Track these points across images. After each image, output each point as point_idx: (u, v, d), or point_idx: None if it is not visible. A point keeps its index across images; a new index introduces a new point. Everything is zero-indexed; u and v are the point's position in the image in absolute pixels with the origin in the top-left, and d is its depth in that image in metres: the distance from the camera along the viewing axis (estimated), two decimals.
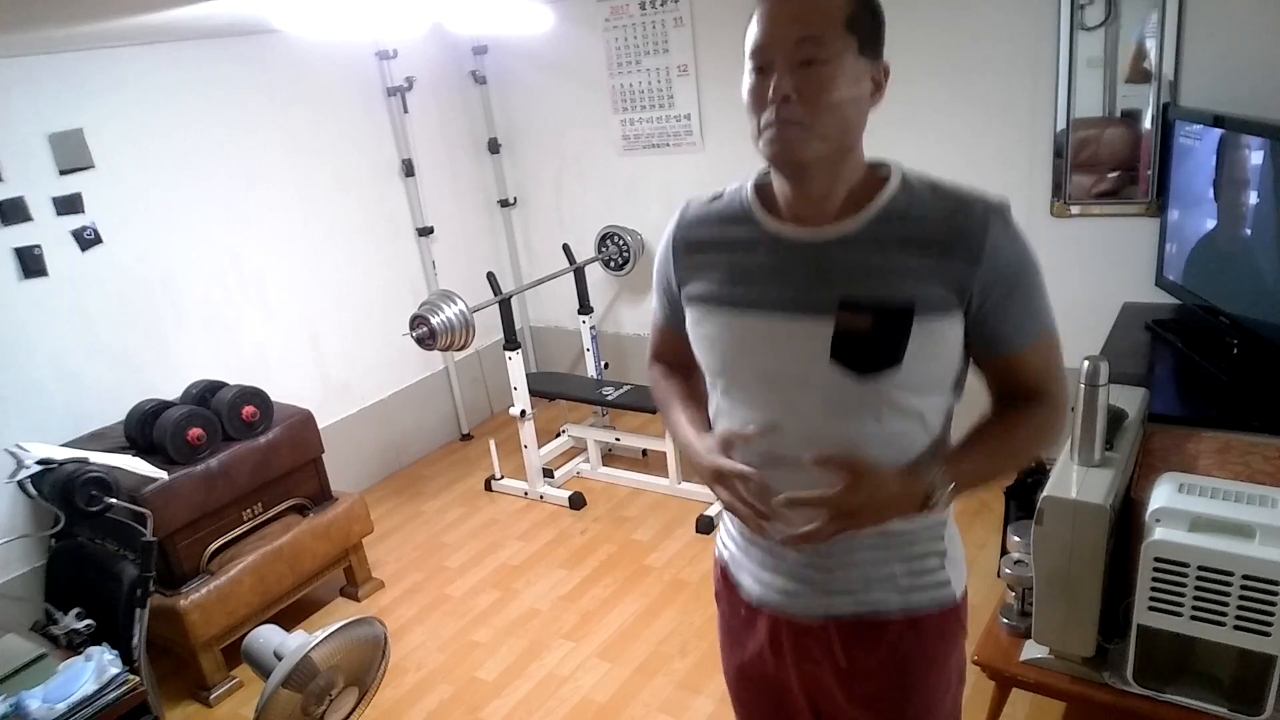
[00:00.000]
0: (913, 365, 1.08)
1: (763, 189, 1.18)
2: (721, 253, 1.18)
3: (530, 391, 3.69)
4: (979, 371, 1.20)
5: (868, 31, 1.03)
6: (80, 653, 2.07)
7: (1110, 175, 3.06)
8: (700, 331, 1.21)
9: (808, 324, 1.09)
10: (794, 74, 1.00)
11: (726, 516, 1.35)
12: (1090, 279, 3.16)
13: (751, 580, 1.28)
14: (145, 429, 2.74)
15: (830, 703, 1.28)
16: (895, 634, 1.21)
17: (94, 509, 2.36)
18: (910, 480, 1.09)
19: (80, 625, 2.24)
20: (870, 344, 1.07)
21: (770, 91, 1.02)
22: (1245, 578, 1.56)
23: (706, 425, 1.27)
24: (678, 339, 1.27)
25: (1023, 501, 2.31)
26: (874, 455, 1.10)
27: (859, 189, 1.10)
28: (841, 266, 1.08)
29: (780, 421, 1.14)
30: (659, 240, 1.30)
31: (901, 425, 1.12)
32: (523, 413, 3.65)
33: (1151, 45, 2.82)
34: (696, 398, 1.32)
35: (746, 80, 1.06)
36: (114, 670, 2.01)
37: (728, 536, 1.35)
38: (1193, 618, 1.64)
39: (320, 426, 3.09)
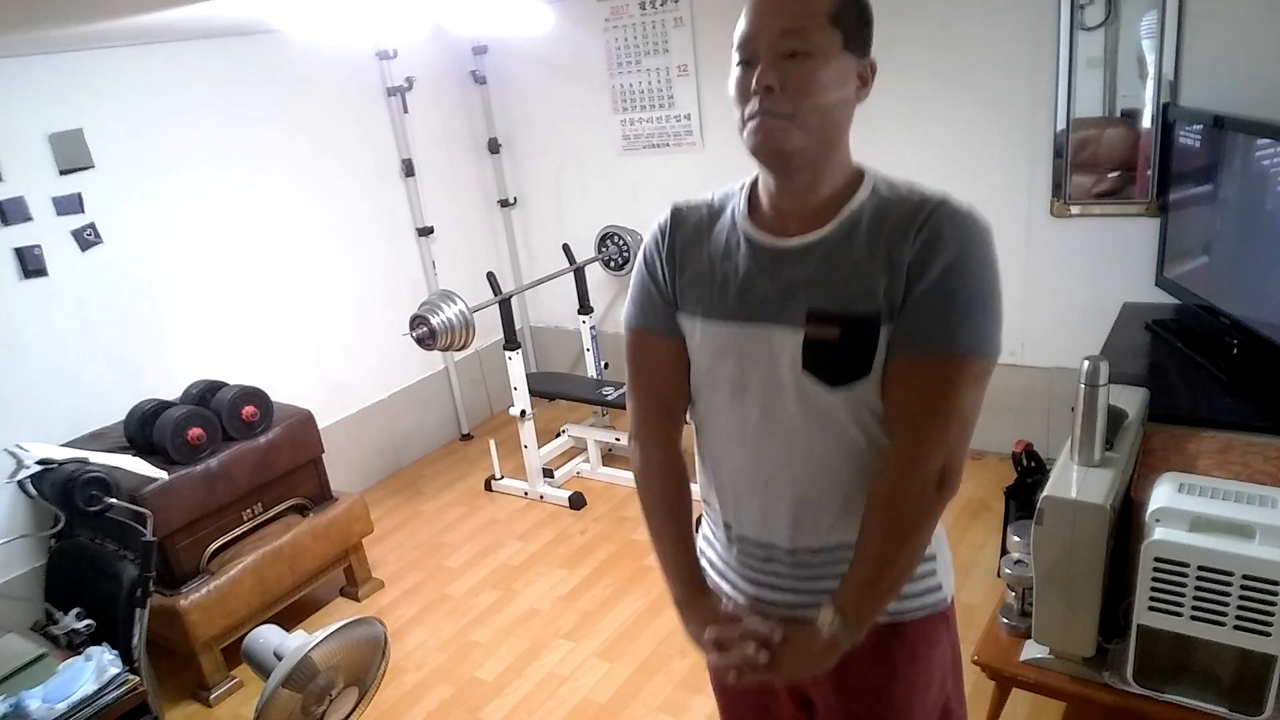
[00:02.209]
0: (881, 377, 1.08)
1: (753, 194, 1.17)
2: (704, 257, 1.17)
3: (530, 391, 3.69)
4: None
5: (853, 27, 1.04)
6: (80, 653, 2.07)
7: (1110, 175, 3.07)
8: (687, 337, 1.21)
9: (780, 333, 1.09)
10: (778, 66, 1.01)
11: (706, 519, 1.35)
12: (1090, 279, 3.16)
13: (733, 588, 1.29)
14: (145, 429, 2.74)
15: (817, 691, 1.29)
16: (882, 635, 1.21)
17: (94, 509, 2.36)
18: (817, 645, 1.14)
19: (80, 625, 2.24)
20: (839, 355, 1.07)
21: (754, 83, 1.02)
22: (1245, 578, 1.56)
23: (693, 551, 1.30)
24: (664, 343, 1.22)
25: (1023, 501, 2.31)
26: (853, 467, 1.13)
27: (841, 191, 1.10)
28: (810, 277, 1.08)
29: (758, 430, 1.15)
30: (642, 242, 1.27)
31: (880, 435, 1.12)
32: (523, 413, 3.65)
33: (1151, 45, 2.82)
34: (684, 509, 1.30)
35: (733, 72, 1.06)
36: (114, 670, 2.01)
37: (706, 545, 1.35)
38: (1193, 618, 1.64)
39: (320, 426, 3.09)
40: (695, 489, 1.33)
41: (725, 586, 1.30)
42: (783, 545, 1.20)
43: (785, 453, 1.14)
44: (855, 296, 1.05)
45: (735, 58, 1.06)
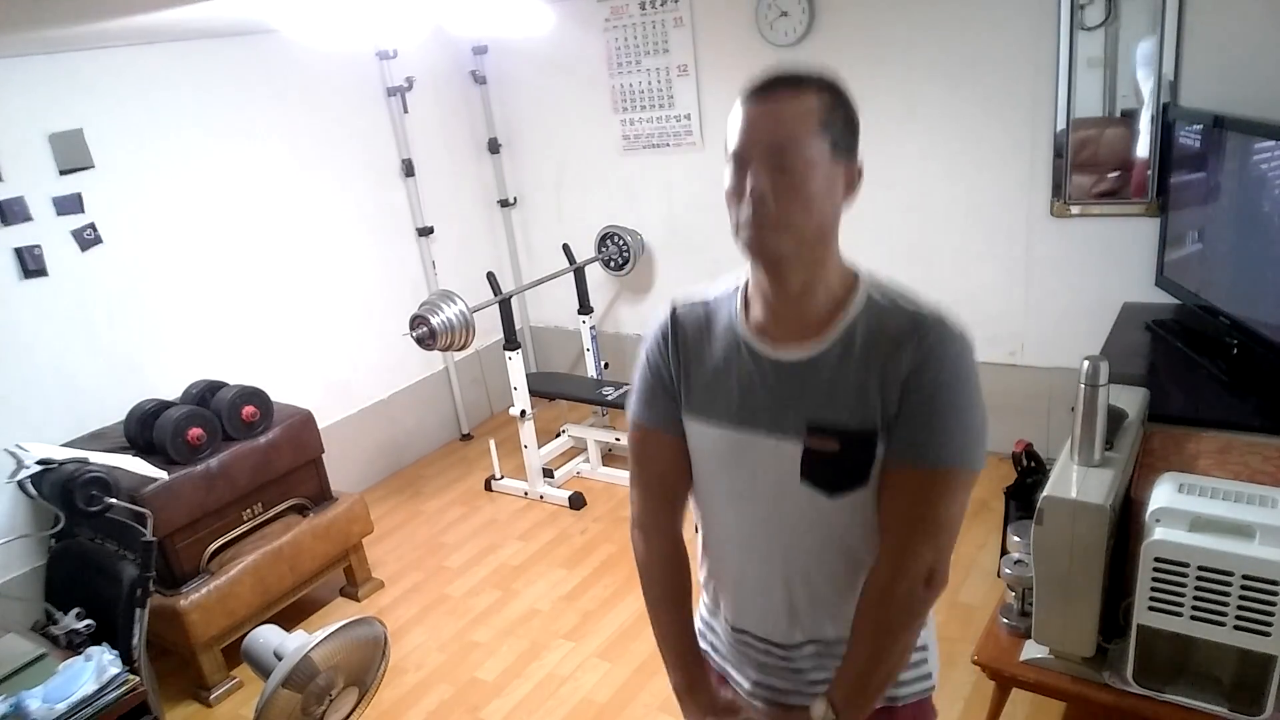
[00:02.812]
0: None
1: (747, 293, 1.19)
2: (706, 360, 1.20)
3: (530, 391, 3.69)
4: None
5: (841, 134, 1.07)
6: (80, 653, 2.07)
7: (1110, 175, 3.07)
8: (689, 436, 1.23)
9: (781, 443, 1.13)
10: (769, 175, 1.04)
11: (705, 606, 1.37)
12: (1090, 279, 3.16)
13: (735, 672, 1.32)
14: (145, 429, 2.74)
15: None
16: (877, 718, 1.24)
17: (94, 509, 2.36)
18: None
19: (80, 625, 2.24)
20: (838, 466, 1.12)
21: (746, 191, 1.06)
22: (1245, 578, 1.56)
23: (693, 639, 1.33)
24: (668, 440, 1.24)
25: (1023, 501, 2.31)
26: (849, 568, 1.17)
27: (837, 298, 1.13)
28: (810, 390, 1.12)
29: (757, 532, 1.20)
30: (644, 340, 1.28)
31: (875, 538, 1.15)
32: (523, 413, 3.65)
33: (1151, 45, 2.82)
34: (686, 597, 1.32)
35: (726, 178, 1.10)
36: (114, 670, 2.01)
37: (706, 629, 1.37)
38: (1193, 618, 1.64)
39: (320, 426, 3.09)
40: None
41: (728, 670, 1.34)
42: (781, 641, 1.24)
43: (782, 554, 1.19)
44: (852, 413, 1.10)
45: (728, 164, 1.09)
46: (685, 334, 1.22)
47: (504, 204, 4.57)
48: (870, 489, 1.12)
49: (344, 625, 1.89)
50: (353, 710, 2.01)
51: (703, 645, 1.37)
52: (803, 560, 1.18)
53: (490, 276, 3.64)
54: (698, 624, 1.38)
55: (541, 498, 3.75)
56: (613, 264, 4.22)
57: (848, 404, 1.10)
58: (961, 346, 1.09)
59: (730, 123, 1.08)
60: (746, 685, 1.30)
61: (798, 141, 1.04)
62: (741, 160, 1.07)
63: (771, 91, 1.06)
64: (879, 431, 1.09)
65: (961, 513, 1.13)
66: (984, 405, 1.11)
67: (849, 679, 1.17)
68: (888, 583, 1.13)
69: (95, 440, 2.85)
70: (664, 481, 1.27)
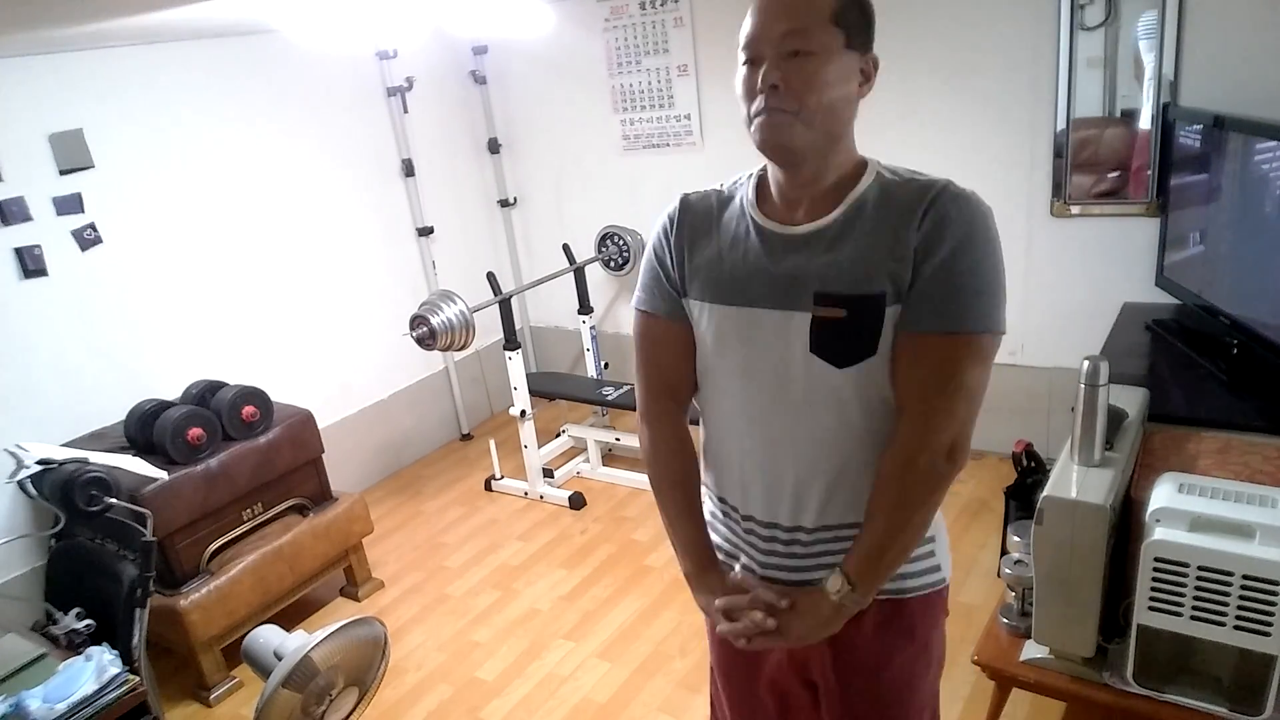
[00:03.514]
0: (890, 355, 1.11)
1: (761, 184, 1.20)
2: (713, 244, 1.21)
3: (530, 391, 3.69)
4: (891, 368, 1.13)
5: (855, 25, 1.07)
6: (80, 653, 2.07)
7: (1110, 175, 3.07)
8: (694, 322, 1.24)
9: (788, 316, 1.12)
10: (781, 65, 1.05)
11: (710, 499, 1.37)
12: (1090, 279, 3.16)
13: (746, 560, 1.32)
14: (145, 429, 2.74)
15: (818, 668, 1.32)
16: (883, 611, 1.25)
17: (94, 509, 2.36)
18: (825, 610, 1.19)
19: (80, 625, 2.24)
20: (846, 336, 1.10)
21: (759, 81, 1.06)
22: (1245, 578, 1.56)
23: (702, 525, 1.33)
24: (672, 327, 1.25)
25: (1023, 501, 2.31)
26: (856, 449, 1.16)
27: (846, 179, 1.13)
28: (817, 261, 1.11)
29: (764, 411, 1.18)
30: (652, 230, 1.30)
31: (883, 416, 1.15)
32: (523, 413, 3.65)
33: (1151, 45, 2.82)
34: (693, 485, 1.33)
35: (739, 71, 1.10)
36: (114, 670, 2.01)
37: (712, 522, 1.37)
38: (1193, 618, 1.64)
39: (320, 426, 3.09)
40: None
41: (738, 557, 1.33)
42: (786, 524, 1.23)
43: (790, 434, 1.18)
44: (861, 279, 1.09)
45: (741, 57, 1.09)
46: (693, 220, 1.23)
47: (504, 204, 4.57)
48: (880, 361, 1.10)
49: (344, 625, 1.89)
50: (353, 710, 2.01)
51: (715, 536, 1.36)
52: (808, 439, 1.17)
53: (490, 276, 3.64)
54: (709, 517, 1.38)
55: (541, 498, 3.75)
56: (613, 264, 4.22)
57: (855, 272, 1.09)
58: (974, 208, 1.08)
59: (745, 20, 1.09)
60: (756, 570, 1.30)
61: (811, 30, 1.04)
62: (754, 51, 1.07)
63: None
64: (887, 296, 1.08)
65: (984, 381, 1.11)
66: (1002, 269, 1.09)
67: (864, 551, 1.16)
68: (909, 455, 1.11)
69: (95, 440, 2.85)
70: (668, 371, 1.28)
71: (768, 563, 1.27)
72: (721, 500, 1.33)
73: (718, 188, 1.25)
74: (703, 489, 1.37)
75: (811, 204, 1.13)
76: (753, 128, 1.09)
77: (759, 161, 1.20)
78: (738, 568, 1.31)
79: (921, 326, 1.07)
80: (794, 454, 1.19)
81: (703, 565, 1.32)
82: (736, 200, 1.21)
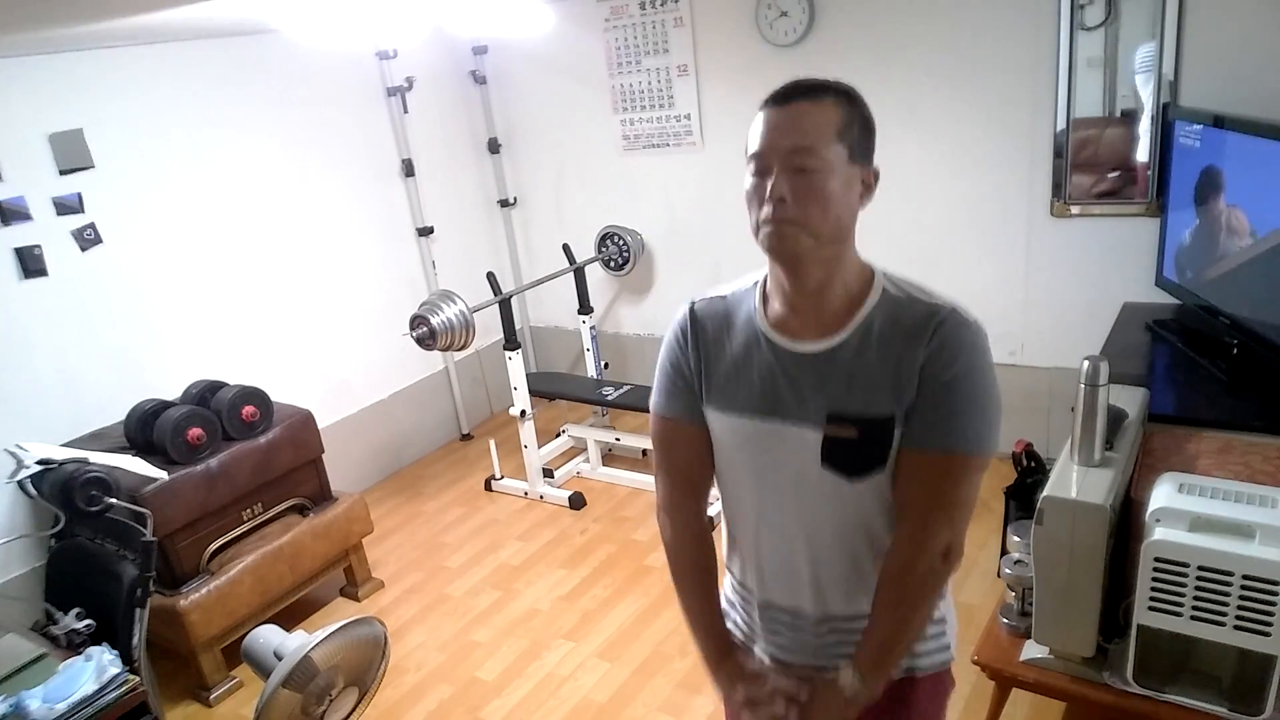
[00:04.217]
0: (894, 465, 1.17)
1: (765, 291, 1.24)
2: (726, 355, 1.25)
3: (530, 391, 3.69)
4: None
5: (858, 140, 1.13)
6: (80, 653, 2.07)
7: (1110, 175, 3.06)
8: (711, 427, 1.28)
9: (801, 431, 1.18)
10: (788, 178, 1.10)
11: (729, 584, 1.42)
12: (1090, 279, 3.16)
13: (759, 650, 1.37)
14: (145, 429, 2.74)
15: None
16: (895, 690, 1.30)
17: (94, 509, 2.36)
18: (840, 701, 1.23)
19: (80, 625, 2.24)
20: (857, 452, 1.17)
21: (767, 193, 1.11)
22: (1245, 578, 1.56)
23: (719, 613, 1.39)
24: (691, 430, 1.29)
25: (1023, 501, 2.31)
26: (868, 544, 1.22)
27: (854, 296, 1.18)
28: (828, 380, 1.17)
29: (780, 513, 1.25)
30: (665, 337, 1.33)
31: (891, 516, 1.21)
32: (523, 413, 3.65)
33: (1151, 45, 2.82)
34: (712, 574, 1.37)
35: (747, 180, 1.15)
36: (114, 670, 2.01)
37: (730, 608, 1.42)
38: (1193, 618, 1.64)
39: (320, 426, 3.09)
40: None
41: (753, 647, 1.38)
42: (809, 611, 1.29)
43: (804, 534, 1.24)
44: (871, 401, 1.15)
45: (749, 167, 1.14)
46: (704, 329, 1.27)
47: (504, 204, 4.57)
48: (888, 471, 1.17)
49: (344, 625, 1.89)
50: (353, 710, 2.01)
51: (727, 624, 1.41)
52: (825, 541, 1.23)
53: (490, 276, 3.64)
54: (722, 604, 1.42)
55: (541, 498, 3.75)
56: (613, 264, 4.22)
57: (865, 393, 1.15)
58: (975, 336, 1.15)
59: (752, 129, 1.14)
60: (768, 661, 1.35)
61: (816, 146, 1.09)
62: (762, 163, 1.12)
63: (792, 99, 1.11)
64: (896, 418, 1.14)
65: (976, 493, 1.19)
66: (998, 393, 1.17)
67: (872, 647, 1.23)
68: (907, 559, 1.19)
69: (95, 440, 2.85)
70: (687, 469, 1.33)
71: (788, 648, 1.32)
72: (741, 585, 1.38)
73: (723, 296, 1.29)
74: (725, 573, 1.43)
75: (820, 320, 1.18)
76: (760, 235, 1.14)
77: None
78: (756, 654, 1.36)
79: (921, 444, 1.14)
80: (808, 552, 1.25)
81: (721, 653, 1.36)
82: (743, 311, 1.25)
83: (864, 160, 1.14)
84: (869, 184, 1.16)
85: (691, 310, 1.29)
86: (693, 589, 1.37)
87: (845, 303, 1.17)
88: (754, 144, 1.13)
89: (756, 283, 1.26)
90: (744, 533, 1.32)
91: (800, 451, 1.19)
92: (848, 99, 1.13)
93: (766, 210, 1.11)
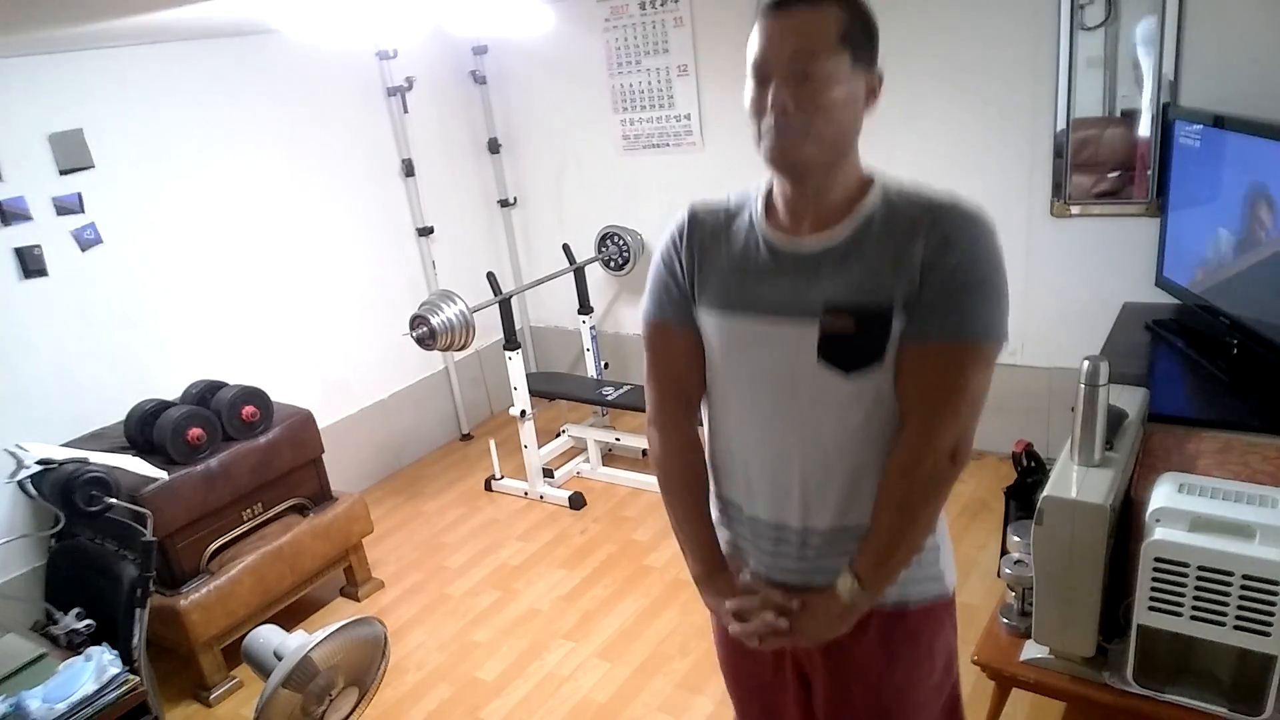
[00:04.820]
0: (894, 363, 1.15)
1: (768, 197, 1.23)
2: (722, 255, 1.23)
3: (530, 391, 3.69)
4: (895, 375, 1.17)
5: (861, 45, 1.10)
6: (80, 653, 2.07)
7: (1110, 175, 3.06)
8: (703, 330, 1.26)
9: (797, 326, 1.16)
10: (791, 86, 1.08)
11: (715, 503, 1.38)
12: (1090, 279, 3.16)
13: (752, 564, 1.34)
14: (145, 429, 2.74)
15: (814, 673, 1.34)
16: (886, 621, 1.27)
17: (94, 509, 2.36)
18: (836, 609, 1.22)
19: (80, 625, 2.24)
20: (854, 345, 1.14)
21: (769, 101, 1.09)
22: (1245, 578, 1.56)
23: (710, 528, 1.36)
24: (682, 334, 1.28)
25: (1023, 501, 2.31)
26: (859, 452, 1.19)
27: (853, 195, 1.16)
28: (826, 274, 1.15)
29: (771, 417, 1.22)
30: (659, 240, 1.33)
31: (885, 420, 1.18)
32: (523, 413, 3.65)
33: (1151, 45, 2.82)
34: (702, 488, 1.36)
35: (748, 91, 1.13)
36: (114, 670, 2.00)
37: (717, 526, 1.39)
38: (1193, 618, 1.64)
39: (320, 426, 3.09)
40: None
41: (746, 560, 1.35)
42: (794, 525, 1.26)
43: (797, 438, 1.21)
44: (869, 291, 1.13)
45: (750, 77, 1.12)
46: (702, 231, 1.26)
47: (504, 204, 4.57)
48: (885, 368, 1.14)
49: (344, 625, 1.89)
50: (353, 710, 2.01)
51: (723, 537, 1.38)
52: (814, 443, 1.21)
53: (490, 276, 3.64)
54: (716, 519, 1.40)
55: (541, 498, 3.75)
56: (613, 264, 4.22)
57: (863, 285, 1.13)
58: (980, 225, 1.13)
59: (751, 38, 1.11)
60: (763, 572, 1.32)
61: (818, 53, 1.07)
62: (763, 73, 1.10)
63: (791, 5, 1.08)
64: (894, 309, 1.12)
65: (985, 387, 1.15)
66: (1005, 282, 1.14)
67: (872, 552, 1.20)
68: (912, 457, 1.16)
69: (95, 440, 2.85)
70: (678, 376, 1.31)
71: (775, 565, 1.29)
72: (726, 502, 1.35)
73: (725, 201, 1.27)
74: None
75: (819, 218, 1.16)
76: (762, 144, 1.12)
77: (759, 162, 1.20)
78: (747, 572, 1.34)
79: (927, 336, 1.11)
80: (800, 458, 1.22)
81: (712, 567, 1.34)
82: (745, 214, 1.24)
83: (867, 66, 1.12)
84: (873, 90, 1.14)
85: (691, 211, 1.28)
86: (683, 501, 1.35)
87: (845, 202, 1.16)
88: (754, 53, 1.10)
89: (759, 190, 1.24)
90: (733, 444, 1.29)
91: (796, 347, 1.16)
92: (849, 3, 1.10)
93: (769, 120, 1.09)
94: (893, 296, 1.11)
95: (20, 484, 2.49)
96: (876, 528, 1.20)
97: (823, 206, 1.15)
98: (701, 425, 1.36)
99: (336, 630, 1.87)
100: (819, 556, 1.25)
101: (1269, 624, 1.56)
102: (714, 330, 1.24)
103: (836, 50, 1.07)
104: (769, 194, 1.22)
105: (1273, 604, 1.55)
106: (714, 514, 1.39)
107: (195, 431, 2.69)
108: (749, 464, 1.27)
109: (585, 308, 4.06)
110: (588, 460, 3.93)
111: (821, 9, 1.07)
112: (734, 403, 1.26)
